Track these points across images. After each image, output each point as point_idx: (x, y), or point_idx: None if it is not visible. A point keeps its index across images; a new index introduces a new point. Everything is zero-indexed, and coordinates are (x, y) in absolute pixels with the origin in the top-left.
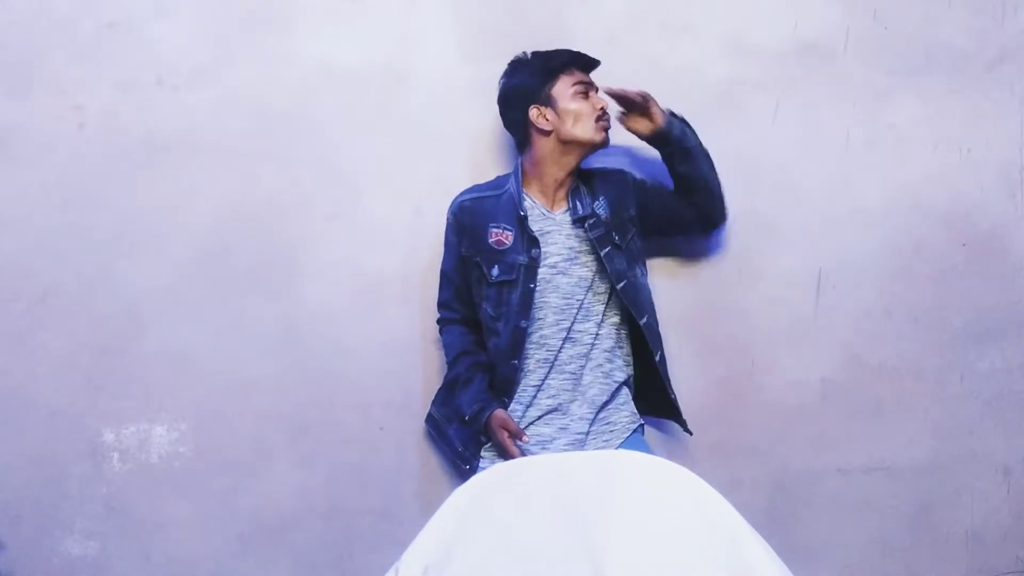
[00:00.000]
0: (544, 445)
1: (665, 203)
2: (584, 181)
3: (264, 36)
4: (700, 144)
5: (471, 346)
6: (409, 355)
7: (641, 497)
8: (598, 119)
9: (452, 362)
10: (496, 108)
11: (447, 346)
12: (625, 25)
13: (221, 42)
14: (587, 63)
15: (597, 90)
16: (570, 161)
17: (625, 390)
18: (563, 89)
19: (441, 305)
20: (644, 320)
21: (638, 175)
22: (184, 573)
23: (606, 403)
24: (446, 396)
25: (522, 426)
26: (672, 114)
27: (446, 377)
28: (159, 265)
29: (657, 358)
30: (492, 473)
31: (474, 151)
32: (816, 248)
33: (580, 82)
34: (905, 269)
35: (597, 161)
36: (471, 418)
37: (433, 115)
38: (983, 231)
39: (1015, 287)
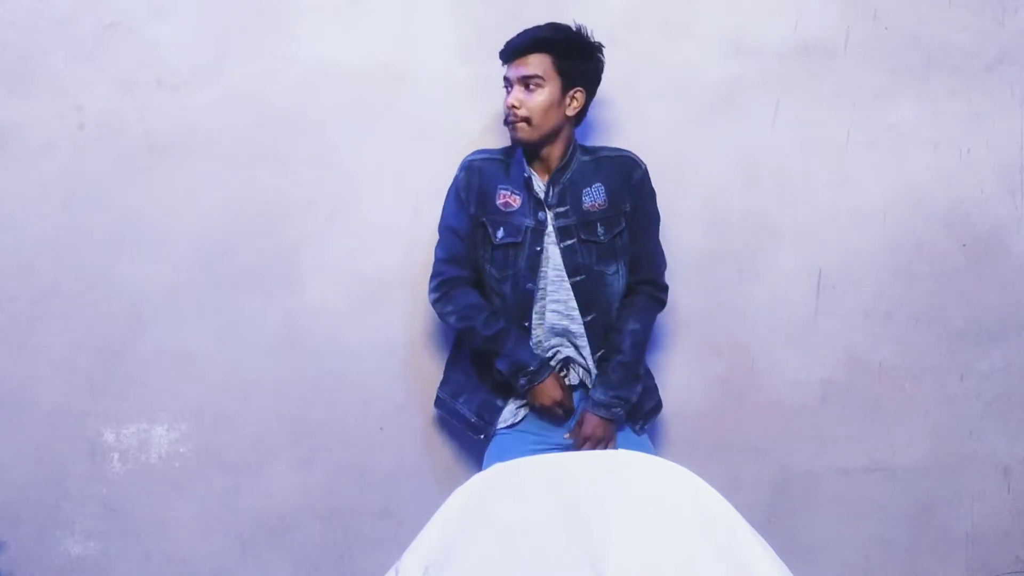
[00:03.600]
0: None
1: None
2: (585, 161)
3: (264, 36)
4: (634, 364)
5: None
6: (409, 355)
7: (641, 497)
8: (506, 119)
9: (487, 320)
10: (496, 108)
11: (471, 306)
12: (625, 25)
13: (221, 42)
14: (510, 52)
15: (533, 80)
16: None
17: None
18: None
19: (448, 260)
20: (588, 318)
21: (643, 184)
22: (184, 573)
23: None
24: (457, 360)
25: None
26: (612, 411)
27: (485, 333)
28: (159, 265)
29: (597, 356)
30: (492, 473)
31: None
32: (816, 248)
33: (505, 75)
34: (905, 269)
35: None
36: (535, 371)
37: (433, 115)
38: (983, 231)
39: (1015, 287)
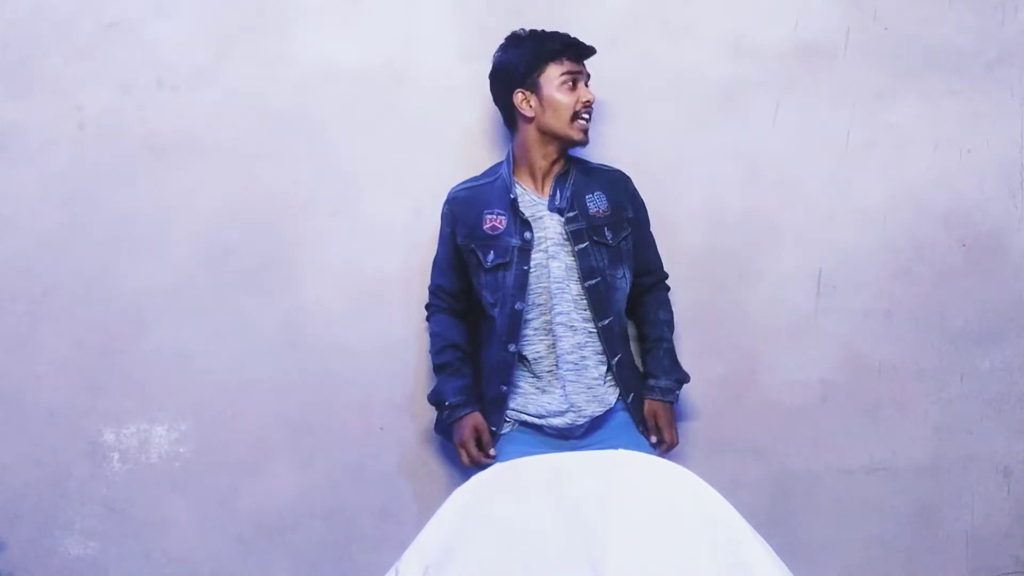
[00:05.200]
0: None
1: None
2: (581, 172)
3: (264, 36)
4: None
5: (459, 338)
6: (409, 355)
7: (641, 497)
8: (577, 115)
9: (439, 351)
10: (497, 108)
11: (434, 335)
12: (625, 25)
13: (221, 42)
14: (582, 52)
15: (588, 78)
16: (552, 151)
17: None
18: (551, 77)
19: (431, 291)
20: (605, 322)
21: (636, 194)
22: (184, 573)
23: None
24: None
25: (533, 415)
26: (675, 394)
27: (433, 363)
28: (159, 265)
29: (614, 361)
30: (492, 473)
31: (474, 151)
32: (816, 248)
33: (569, 72)
34: (905, 269)
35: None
36: (451, 407)
37: (433, 115)
38: (983, 231)
39: (1015, 287)
